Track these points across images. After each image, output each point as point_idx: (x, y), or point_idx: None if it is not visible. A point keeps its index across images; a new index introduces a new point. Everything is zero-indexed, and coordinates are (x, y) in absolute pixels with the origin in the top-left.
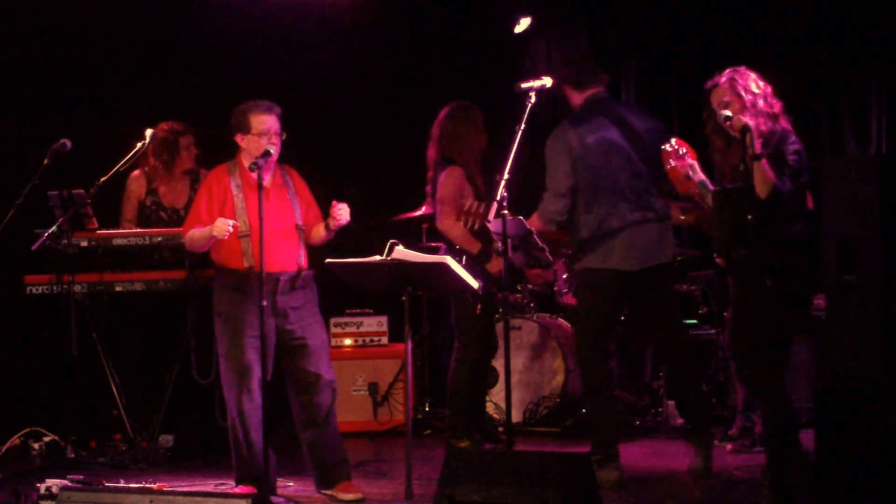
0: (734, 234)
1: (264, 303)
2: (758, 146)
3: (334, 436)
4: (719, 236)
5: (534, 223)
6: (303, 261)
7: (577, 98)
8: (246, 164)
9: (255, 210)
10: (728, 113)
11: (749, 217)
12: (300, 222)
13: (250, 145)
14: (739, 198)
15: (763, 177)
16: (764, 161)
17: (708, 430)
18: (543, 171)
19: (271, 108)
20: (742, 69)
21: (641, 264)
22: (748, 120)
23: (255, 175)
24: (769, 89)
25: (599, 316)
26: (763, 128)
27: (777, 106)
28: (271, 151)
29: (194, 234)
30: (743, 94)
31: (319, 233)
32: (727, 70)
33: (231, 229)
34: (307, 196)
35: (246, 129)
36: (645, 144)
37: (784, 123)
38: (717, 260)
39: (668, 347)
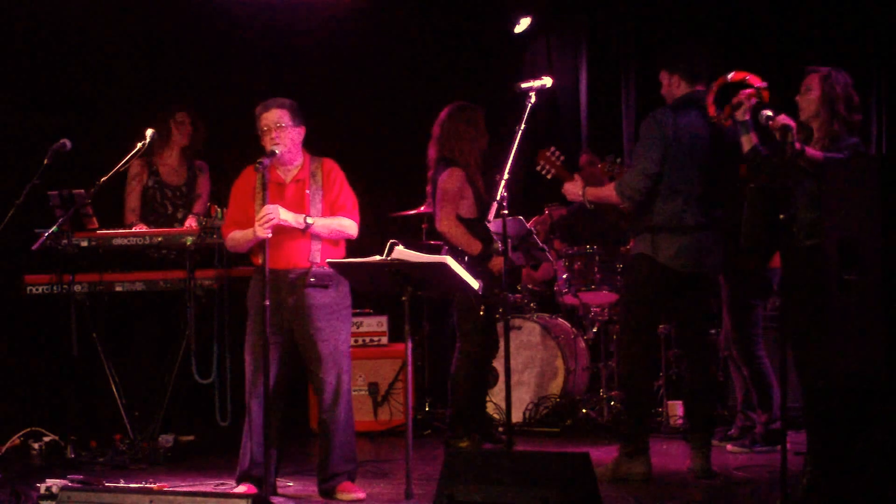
0: (765, 232)
1: (266, 302)
2: (797, 144)
3: (340, 442)
4: (749, 233)
5: (607, 194)
6: (318, 258)
7: (682, 89)
8: (266, 162)
9: None
10: (769, 113)
11: (781, 216)
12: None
13: (263, 144)
14: (772, 196)
15: (813, 162)
16: (806, 150)
17: (708, 432)
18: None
19: (269, 104)
20: (842, 71)
21: (688, 268)
22: (789, 121)
23: (278, 173)
24: (855, 101)
25: (643, 303)
26: (835, 127)
27: (857, 117)
28: (276, 151)
29: (235, 236)
30: (828, 88)
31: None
32: (830, 66)
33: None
34: (335, 189)
35: (258, 130)
36: (726, 149)
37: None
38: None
39: (691, 352)
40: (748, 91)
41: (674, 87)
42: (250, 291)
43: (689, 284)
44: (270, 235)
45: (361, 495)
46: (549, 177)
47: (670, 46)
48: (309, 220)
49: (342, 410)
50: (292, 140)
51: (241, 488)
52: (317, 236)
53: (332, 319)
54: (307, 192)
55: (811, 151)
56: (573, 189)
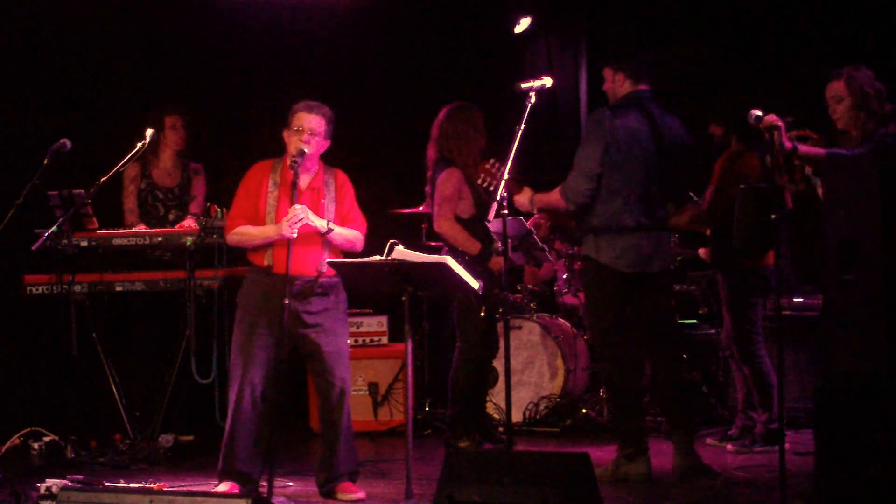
0: (758, 234)
1: (286, 301)
2: (787, 143)
3: (344, 442)
4: (740, 234)
5: (553, 199)
6: (325, 267)
7: (625, 88)
8: (287, 160)
9: (284, 209)
10: (758, 113)
11: (773, 216)
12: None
13: (288, 141)
14: (764, 197)
15: (812, 159)
16: (799, 147)
17: (690, 428)
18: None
19: (313, 108)
20: (862, 68)
21: (632, 268)
22: (777, 121)
23: (292, 174)
24: (883, 92)
25: (602, 306)
26: (871, 125)
27: (888, 107)
28: (305, 151)
29: (247, 231)
30: (858, 91)
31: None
32: (846, 67)
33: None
34: (347, 201)
35: (288, 125)
36: (669, 148)
37: (893, 129)
38: (700, 252)
39: (655, 348)
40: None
41: (617, 85)
42: (247, 291)
43: (635, 285)
44: (296, 235)
45: (361, 495)
46: (490, 189)
47: (616, 45)
48: (331, 226)
49: (346, 411)
50: (318, 149)
51: (224, 486)
52: (327, 246)
53: (334, 323)
54: (323, 200)
55: (806, 149)
56: (521, 200)
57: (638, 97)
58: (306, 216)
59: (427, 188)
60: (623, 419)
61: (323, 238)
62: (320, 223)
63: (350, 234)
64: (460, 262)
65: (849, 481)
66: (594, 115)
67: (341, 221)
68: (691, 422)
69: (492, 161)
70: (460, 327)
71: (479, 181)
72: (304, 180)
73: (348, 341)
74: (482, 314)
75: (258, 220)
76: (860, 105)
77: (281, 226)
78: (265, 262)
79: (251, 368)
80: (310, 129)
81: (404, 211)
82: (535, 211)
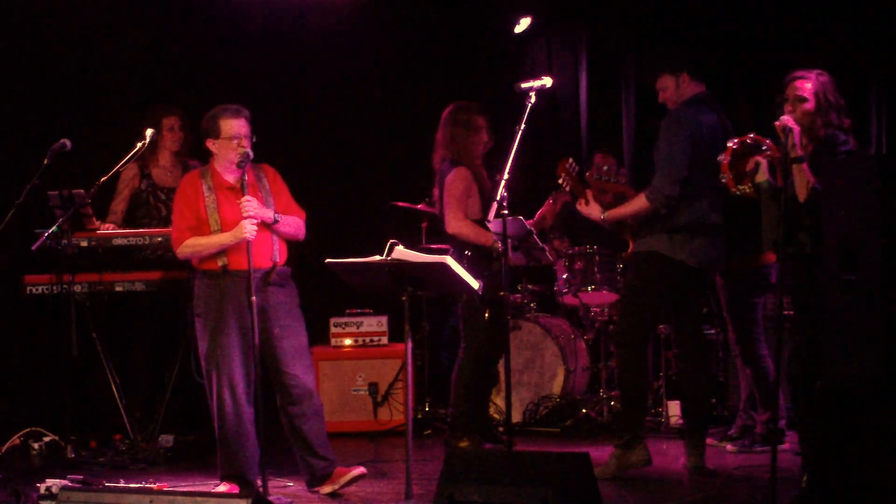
0: (784, 233)
1: (253, 298)
2: (799, 150)
3: (319, 437)
4: (768, 235)
5: (631, 210)
6: (278, 257)
7: (691, 89)
8: (218, 168)
9: (227, 210)
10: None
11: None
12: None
13: (221, 150)
14: (790, 196)
15: (803, 180)
16: (805, 164)
17: (703, 431)
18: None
19: (240, 111)
20: (826, 73)
21: (705, 265)
22: (792, 123)
23: (226, 178)
24: (842, 102)
25: (650, 302)
26: (821, 133)
27: (846, 123)
28: (251, 154)
29: (201, 242)
30: (823, 97)
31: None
32: (815, 70)
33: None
34: (284, 193)
35: (216, 134)
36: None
37: (850, 139)
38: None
39: (691, 351)
40: (756, 158)
41: (683, 86)
42: (204, 297)
43: (698, 281)
44: (255, 236)
45: (362, 470)
46: (567, 189)
47: (664, 49)
48: (277, 217)
49: (318, 399)
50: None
51: (224, 486)
52: (277, 236)
53: (294, 316)
54: (260, 194)
55: (807, 170)
56: (592, 213)
57: (705, 96)
58: (258, 207)
59: (435, 190)
60: (627, 410)
61: (270, 229)
62: (268, 213)
63: (294, 222)
64: (465, 263)
65: (847, 482)
66: (678, 114)
67: (282, 212)
68: (708, 423)
69: (570, 161)
70: (465, 328)
71: (560, 181)
72: (234, 179)
73: (347, 341)
74: (486, 316)
75: (202, 229)
76: (821, 113)
77: (243, 228)
78: (219, 265)
79: (229, 372)
80: (245, 133)
81: (403, 204)
82: (605, 224)
